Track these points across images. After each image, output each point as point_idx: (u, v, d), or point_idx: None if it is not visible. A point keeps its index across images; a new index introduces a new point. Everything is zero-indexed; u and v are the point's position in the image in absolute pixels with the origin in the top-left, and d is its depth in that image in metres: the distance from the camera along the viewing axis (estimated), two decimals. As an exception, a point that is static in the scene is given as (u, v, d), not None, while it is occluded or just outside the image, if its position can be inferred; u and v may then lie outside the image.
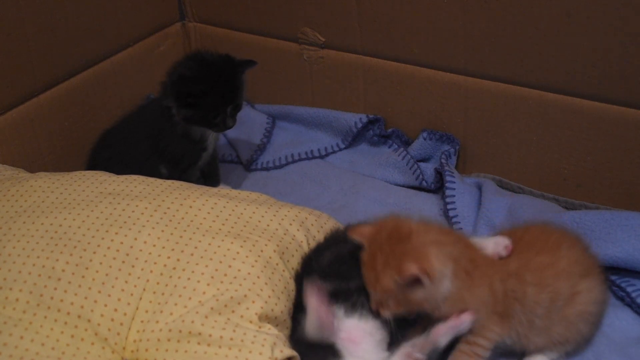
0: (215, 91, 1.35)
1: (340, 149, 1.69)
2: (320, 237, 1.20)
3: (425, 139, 1.60)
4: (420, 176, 1.56)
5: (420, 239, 1.03)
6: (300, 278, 1.12)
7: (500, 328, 1.07)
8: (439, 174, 1.54)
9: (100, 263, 1.05)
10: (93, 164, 1.47)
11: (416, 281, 1.00)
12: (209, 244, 1.08)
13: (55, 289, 1.02)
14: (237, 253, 1.07)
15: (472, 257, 1.07)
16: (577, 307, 1.10)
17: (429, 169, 1.58)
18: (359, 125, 1.66)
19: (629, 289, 1.25)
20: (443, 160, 1.54)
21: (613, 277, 1.27)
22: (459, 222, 1.43)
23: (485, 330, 1.06)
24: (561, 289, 1.09)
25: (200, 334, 0.99)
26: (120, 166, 1.41)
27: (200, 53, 1.42)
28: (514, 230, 1.17)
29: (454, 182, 1.48)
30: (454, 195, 1.47)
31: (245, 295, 1.03)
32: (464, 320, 1.04)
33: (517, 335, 1.09)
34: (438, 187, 1.55)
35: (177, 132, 1.41)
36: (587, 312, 1.11)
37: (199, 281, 1.04)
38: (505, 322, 1.07)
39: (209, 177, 1.55)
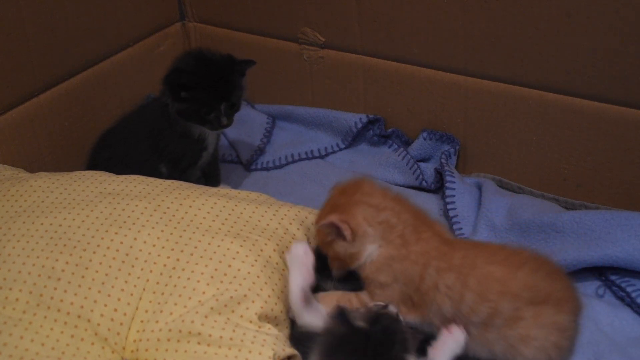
0: (208, 86, 1.35)
1: (340, 149, 1.69)
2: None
3: (425, 139, 1.60)
4: (420, 176, 1.56)
5: (360, 198, 1.10)
6: None
7: (406, 314, 1.09)
8: (439, 174, 1.54)
9: (100, 263, 1.05)
10: (93, 164, 1.47)
11: (339, 234, 1.07)
12: (209, 244, 1.08)
13: (55, 288, 1.02)
14: (237, 252, 1.08)
15: (420, 233, 1.10)
16: (519, 330, 1.04)
17: (429, 169, 1.58)
18: (359, 125, 1.66)
19: (629, 289, 1.24)
20: (443, 160, 1.54)
21: (613, 277, 1.27)
22: (459, 222, 1.43)
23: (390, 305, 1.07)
24: (503, 308, 1.03)
25: (200, 333, 0.99)
26: (120, 166, 1.41)
27: (201, 50, 1.42)
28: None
29: (454, 182, 1.48)
30: (454, 196, 1.47)
31: (245, 295, 1.03)
32: (457, 335, 1.03)
33: (434, 326, 1.08)
34: (438, 187, 1.55)
35: (176, 131, 1.41)
36: (531, 337, 1.04)
37: (198, 281, 1.04)
38: (414, 312, 1.09)
39: (210, 177, 1.55)
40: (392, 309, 1.04)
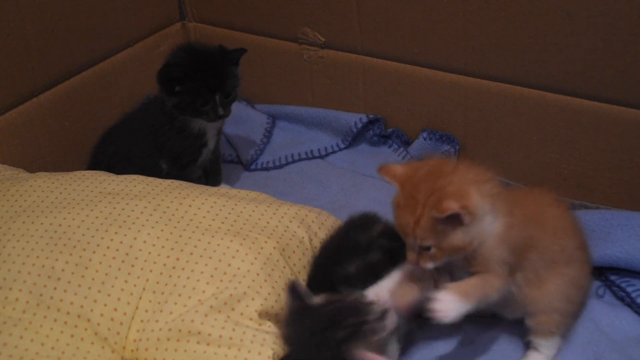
0: (200, 77, 1.35)
1: (340, 149, 1.69)
2: (321, 234, 1.20)
3: (425, 139, 1.60)
4: (421, 176, 1.56)
5: (460, 177, 0.99)
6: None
7: (502, 282, 1.03)
8: (439, 174, 1.54)
9: (100, 262, 1.05)
10: (96, 161, 1.48)
11: (456, 219, 0.95)
12: (209, 243, 1.08)
13: (55, 288, 1.02)
14: (237, 251, 1.08)
15: (508, 194, 1.05)
16: (571, 270, 1.09)
17: (429, 169, 1.58)
18: (359, 125, 1.66)
19: (629, 289, 1.24)
20: (443, 160, 1.54)
21: (613, 277, 1.27)
22: (459, 222, 1.42)
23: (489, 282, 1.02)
24: (567, 246, 1.09)
25: (199, 333, 0.99)
26: (123, 162, 1.43)
27: (191, 43, 1.43)
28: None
29: (454, 182, 1.48)
30: (454, 195, 1.47)
31: (244, 293, 1.03)
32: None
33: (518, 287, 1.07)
34: (438, 187, 1.55)
35: (175, 127, 1.41)
36: (576, 281, 1.09)
37: (198, 280, 1.04)
38: (506, 280, 1.03)
39: (211, 176, 1.55)
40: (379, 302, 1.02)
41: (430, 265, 0.99)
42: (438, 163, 1.03)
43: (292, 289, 1.04)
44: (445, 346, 1.18)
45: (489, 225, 0.99)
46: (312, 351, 0.99)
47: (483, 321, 1.19)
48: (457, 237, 0.97)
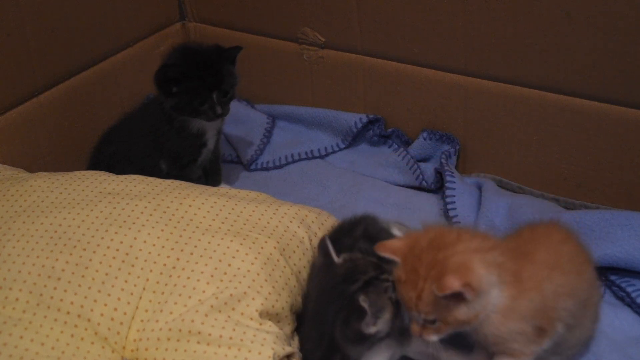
0: (197, 77, 1.35)
1: (340, 149, 1.69)
2: (321, 234, 1.20)
3: (425, 139, 1.60)
4: (421, 176, 1.56)
5: (463, 247, 0.94)
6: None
7: (537, 345, 0.99)
8: (439, 174, 1.54)
9: (100, 262, 1.05)
10: (96, 161, 1.48)
11: (459, 296, 0.91)
12: (209, 243, 1.08)
13: (55, 288, 1.02)
14: (237, 251, 1.07)
15: (514, 257, 0.98)
16: (595, 299, 1.08)
17: (429, 169, 1.58)
18: (359, 125, 1.66)
19: (629, 289, 1.25)
20: (443, 160, 1.54)
21: (613, 277, 1.27)
22: (459, 222, 1.43)
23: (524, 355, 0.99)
24: (590, 277, 1.06)
25: (200, 333, 0.99)
26: (123, 162, 1.43)
27: (186, 44, 1.43)
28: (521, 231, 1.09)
29: (454, 182, 1.48)
30: (454, 196, 1.47)
31: (245, 293, 1.03)
32: None
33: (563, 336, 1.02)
34: (438, 187, 1.55)
35: (175, 127, 1.41)
36: (597, 305, 1.09)
37: (198, 280, 1.04)
38: (544, 337, 0.98)
39: (211, 176, 1.55)
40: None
41: (434, 337, 0.96)
42: (440, 232, 0.98)
43: (323, 245, 1.09)
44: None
45: (495, 298, 0.94)
46: (329, 302, 1.04)
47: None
48: (462, 312, 0.93)
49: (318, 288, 1.09)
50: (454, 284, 0.89)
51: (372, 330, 1.01)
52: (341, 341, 1.02)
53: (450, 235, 0.97)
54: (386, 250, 0.99)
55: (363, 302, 0.99)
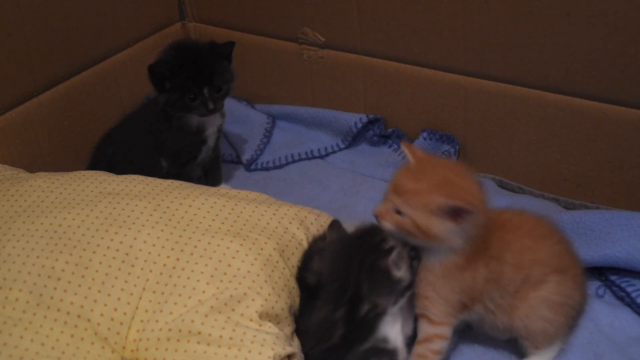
0: (188, 72, 1.36)
1: (340, 149, 1.69)
2: (320, 235, 1.21)
3: (425, 139, 1.60)
4: (420, 176, 1.56)
5: (476, 181, 1.02)
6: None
7: (455, 318, 1.07)
8: (439, 174, 1.54)
9: (100, 263, 1.05)
10: (96, 161, 1.48)
11: (455, 214, 0.97)
12: (209, 243, 1.08)
13: (55, 288, 1.02)
14: (237, 251, 1.08)
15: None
16: (542, 292, 1.09)
17: (429, 169, 1.58)
18: (359, 125, 1.66)
19: (629, 289, 1.24)
20: (443, 160, 1.54)
21: (613, 277, 1.27)
22: (459, 222, 1.43)
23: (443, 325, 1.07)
24: (533, 274, 1.08)
25: (200, 333, 0.99)
26: (123, 162, 1.43)
27: (181, 40, 1.44)
28: (501, 212, 1.15)
29: (454, 182, 1.48)
30: (454, 195, 1.47)
31: (244, 294, 1.03)
32: None
33: (482, 316, 1.09)
34: (438, 187, 1.55)
35: (174, 125, 1.41)
36: (552, 300, 1.09)
37: (198, 280, 1.04)
38: (464, 310, 1.07)
39: (211, 176, 1.55)
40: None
41: (389, 226, 1.02)
42: (461, 165, 1.07)
43: (334, 225, 1.14)
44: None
45: (459, 244, 1.01)
46: (351, 255, 1.07)
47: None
48: (438, 225, 0.98)
49: (335, 250, 1.10)
50: (467, 199, 0.96)
51: (397, 272, 1.03)
52: (368, 287, 1.04)
53: (466, 170, 1.04)
54: (408, 148, 1.06)
55: (390, 242, 1.03)
